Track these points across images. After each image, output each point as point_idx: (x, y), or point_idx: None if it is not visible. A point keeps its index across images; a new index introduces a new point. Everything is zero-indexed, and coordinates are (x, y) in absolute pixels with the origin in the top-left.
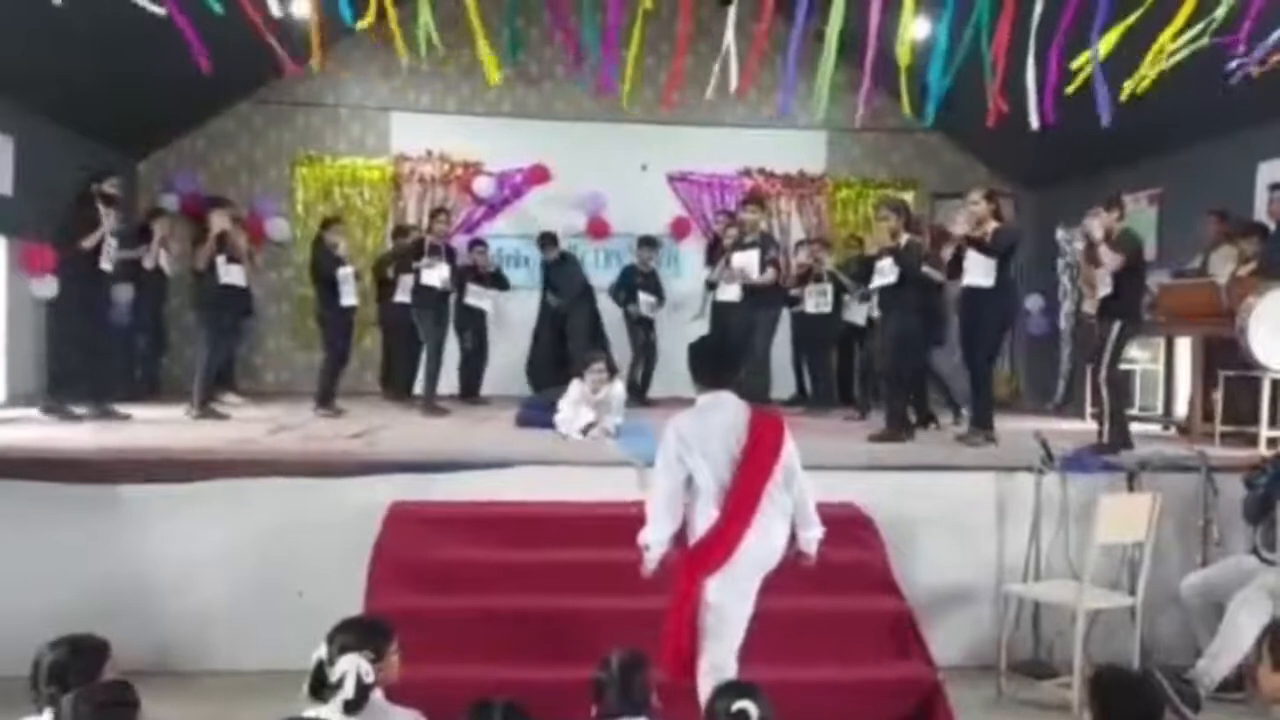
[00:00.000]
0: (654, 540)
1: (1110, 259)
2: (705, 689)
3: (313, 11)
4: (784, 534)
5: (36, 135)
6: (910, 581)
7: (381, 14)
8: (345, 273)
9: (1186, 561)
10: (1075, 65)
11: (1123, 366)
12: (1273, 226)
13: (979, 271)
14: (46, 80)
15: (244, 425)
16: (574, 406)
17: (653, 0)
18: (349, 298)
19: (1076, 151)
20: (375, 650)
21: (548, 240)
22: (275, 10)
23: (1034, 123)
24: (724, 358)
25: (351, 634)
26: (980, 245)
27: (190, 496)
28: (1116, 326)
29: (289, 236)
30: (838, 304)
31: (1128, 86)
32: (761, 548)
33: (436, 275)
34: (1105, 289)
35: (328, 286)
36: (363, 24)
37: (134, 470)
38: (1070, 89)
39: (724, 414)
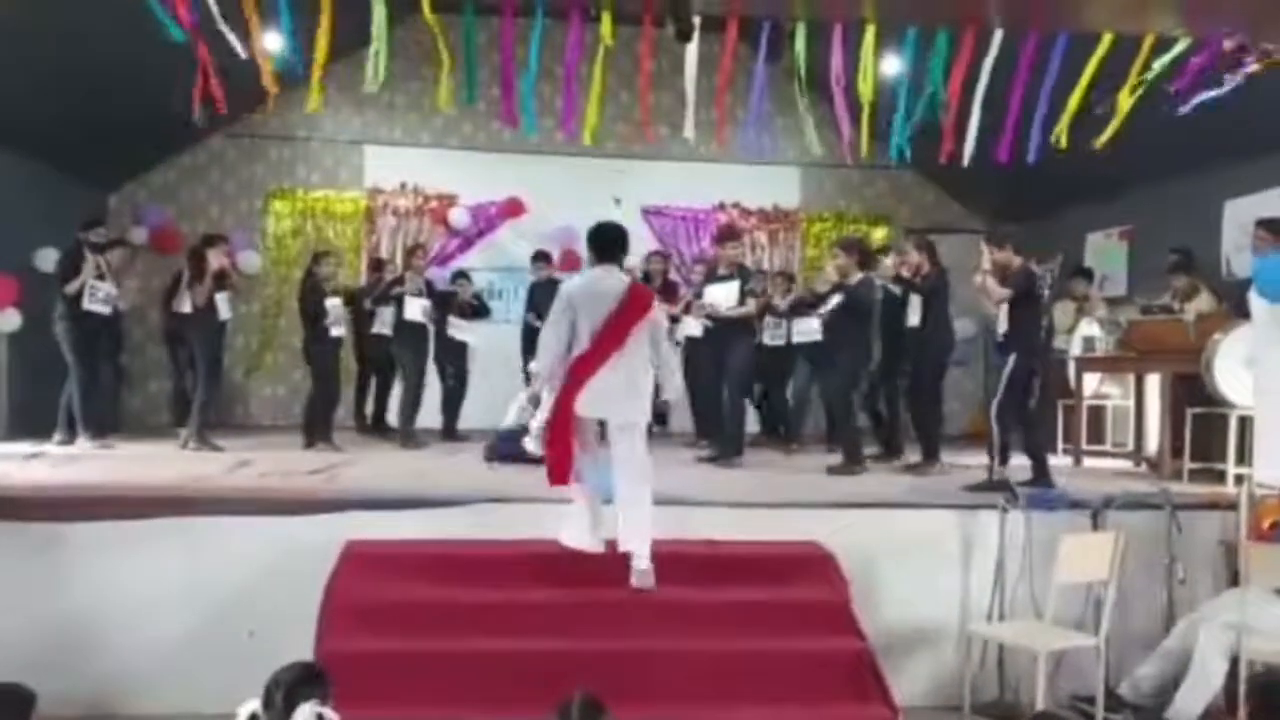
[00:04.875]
0: (539, 367)
1: (996, 292)
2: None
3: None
4: (643, 383)
5: (5, 168)
6: (874, 621)
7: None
8: (333, 304)
9: (1151, 600)
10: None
11: (1087, 401)
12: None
13: (914, 312)
14: (17, 113)
15: (203, 461)
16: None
17: (614, 38)
18: (336, 329)
19: (1046, 188)
20: (323, 698)
21: (540, 258)
22: (241, 50)
23: (965, 159)
24: (612, 241)
25: (298, 685)
26: (912, 286)
27: (140, 535)
28: (1011, 360)
29: (259, 270)
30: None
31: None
32: (617, 381)
33: (419, 309)
34: (1003, 324)
35: (315, 318)
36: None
37: (84, 507)
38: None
39: (609, 281)
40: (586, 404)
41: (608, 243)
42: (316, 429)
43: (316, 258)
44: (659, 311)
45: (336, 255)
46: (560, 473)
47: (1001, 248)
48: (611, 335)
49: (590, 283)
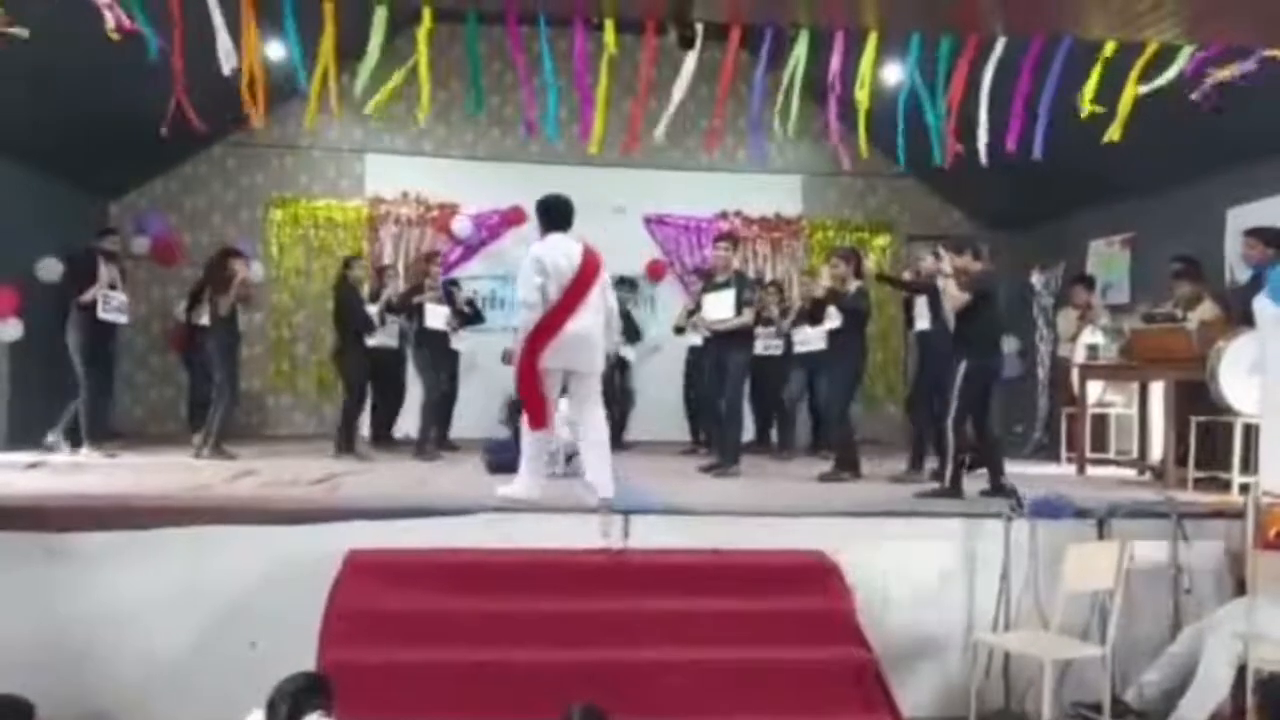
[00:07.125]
0: (523, 325)
1: (955, 297)
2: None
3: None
4: (599, 327)
5: (7, 177)
6: (878, 630)
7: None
8: (374, 311)
9: (1157, 609)
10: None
11: (1091, 409)
12: (1247, 271)
13: (921, 317)
14: (18, 122)
15: (207, 470)
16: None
17: (618, 46)
18: (374, 338)
19: (1049, 195)
20: (327, 708)
21: None
22: (225, 69)
23: (983, 159)
24: (565, 211)
25: (302, 695)
26: (899, 285)
27: (142, 545)
28: (963, 368)
29: (262, 279)
30: (788, 345)
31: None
32: (579, 330)
33: (440, 317)
34: (953, 328)
35: (351, 324)
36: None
37: (85, 517)
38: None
39: (565, 246)
40: (551, 357)
41: (561, 213)
42: (345, 437)
43: (348, 262)
44: (606, 273)
45: (365, 258)
46: (538, 417)
47: (961, 253)
48: (575, 294)
49: (554, 247)
